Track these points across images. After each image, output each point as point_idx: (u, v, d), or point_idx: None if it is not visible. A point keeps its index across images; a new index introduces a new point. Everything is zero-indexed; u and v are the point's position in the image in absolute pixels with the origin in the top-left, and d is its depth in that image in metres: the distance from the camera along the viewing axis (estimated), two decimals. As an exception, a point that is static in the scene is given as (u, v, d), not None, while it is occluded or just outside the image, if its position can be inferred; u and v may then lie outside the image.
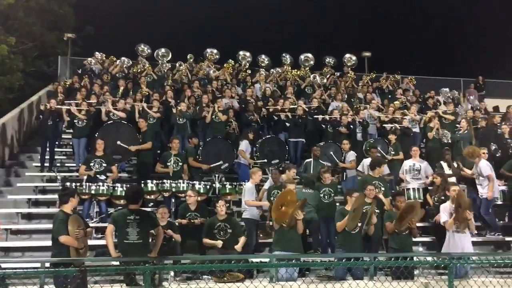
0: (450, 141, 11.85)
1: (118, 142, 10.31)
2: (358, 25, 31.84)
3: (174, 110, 12.37)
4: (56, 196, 8.17)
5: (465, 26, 30.69)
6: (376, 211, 8.27)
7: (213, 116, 12.30)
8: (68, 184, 9.46)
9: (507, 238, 9.47)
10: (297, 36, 29.88)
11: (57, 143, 12.45)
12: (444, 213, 7.83)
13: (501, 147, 11.84)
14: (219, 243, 7.68)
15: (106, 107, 11.95)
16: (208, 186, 9.73)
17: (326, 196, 8.87)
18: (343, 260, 5.99)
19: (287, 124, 12.75)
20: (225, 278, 6.85)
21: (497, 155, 11.43)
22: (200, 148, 10.84)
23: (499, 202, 9.98)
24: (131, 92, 13.86)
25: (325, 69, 18.00)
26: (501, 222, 10.11)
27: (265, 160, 11.09)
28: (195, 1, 29.52)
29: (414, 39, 32.18)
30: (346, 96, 15.41)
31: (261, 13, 30.05)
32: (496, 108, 18.79)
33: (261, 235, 8.88)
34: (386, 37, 30.88)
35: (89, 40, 23.36)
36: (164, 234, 7.14)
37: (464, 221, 7.55)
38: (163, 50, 16.88)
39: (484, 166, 9.35)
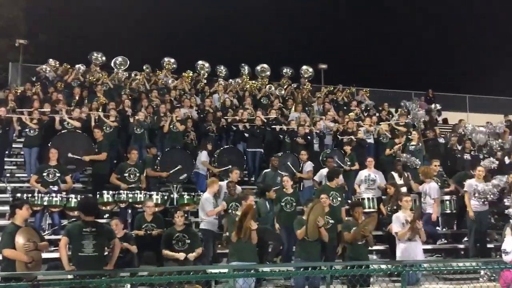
0: (417, 167, 11.39)
1: (69, 154, 10.04)
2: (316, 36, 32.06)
3: (131, 120, 12.20)
4: (5, 208, 7.88)
5: (465, 26, 30.95)
6: (331, 221, 8.45)
7: (171, 126, 12.23)
8: (19, 195, 9.10)
9: (456, 246, 9.90)
10: (296, 37, 30.13)
11: (7, 152, 12.00)
12: (397, 223, 8.00)
13: (450, 159, 12.33)
14: (182, 255, 7.59)
15: (60, 116, 11.63)
16: (165, 197, 9.63)
17: (287, 205, 8.94)
18: (301, 269, 6.07)
19: (246, 135, 12.82)
20: (183, 290, 6.78)
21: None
22: (158, 158, 10.72)
23: (448, 211, 10.36)
24: (86, 101, 13.55)
25: (282, 80, 18.22)
26: (450, 230, 10.52)
27: (230, 166, 11.10)
28: (195, 1, 29.31)
29: (414, 39, 32.37)
30: (300, 108, 15.61)
31: (261, 13, 30.07)
32: (445, 121, 19.61)
33: (219, 246, 8.85)
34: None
35: (42, 48, 22.67)
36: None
37: (415, 231, 7.81)
38: (120, 59, 16.54)
39: (434, 188, 9.68)
